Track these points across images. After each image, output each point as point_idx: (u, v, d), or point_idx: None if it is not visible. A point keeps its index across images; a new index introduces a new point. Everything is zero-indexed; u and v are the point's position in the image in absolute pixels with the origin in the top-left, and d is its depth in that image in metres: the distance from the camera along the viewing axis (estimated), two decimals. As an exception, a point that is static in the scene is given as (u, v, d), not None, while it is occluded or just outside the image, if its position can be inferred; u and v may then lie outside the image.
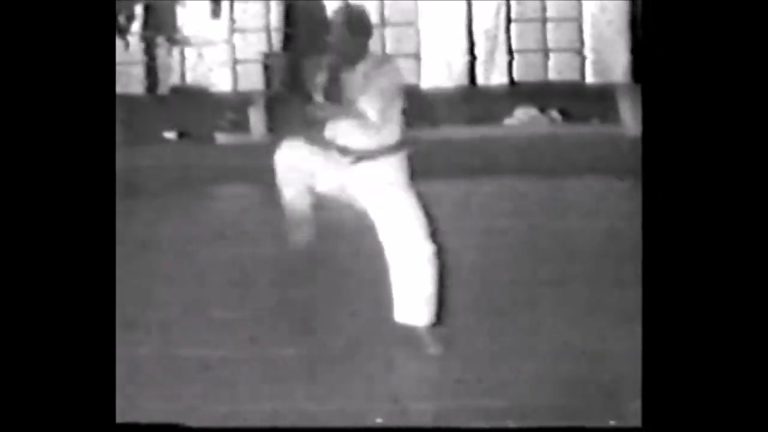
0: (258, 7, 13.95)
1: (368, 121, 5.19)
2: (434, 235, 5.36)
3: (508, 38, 13.79)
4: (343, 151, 5.27)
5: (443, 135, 12.11)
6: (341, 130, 5.26)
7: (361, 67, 5.25)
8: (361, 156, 5.26)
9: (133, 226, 8.43)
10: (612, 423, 4.31)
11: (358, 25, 5.31)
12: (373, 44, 5.40)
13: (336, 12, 5.41)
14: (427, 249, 5.31)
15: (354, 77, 5.24)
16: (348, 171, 5.29)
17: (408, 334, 5.41)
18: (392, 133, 5.30)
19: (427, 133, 12.09)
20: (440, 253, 5.36)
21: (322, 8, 12.71)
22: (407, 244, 5.27)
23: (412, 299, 5.32)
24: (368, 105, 5.19)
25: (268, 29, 13.92)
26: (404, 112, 5.33)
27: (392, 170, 5.30)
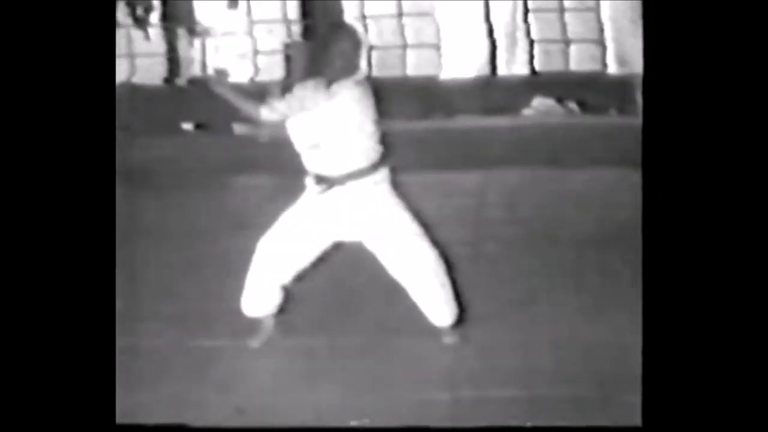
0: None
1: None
2: (431, 239, 5.40)
3: (528, 28, 13.76)
4: (319, 180, 5.29)
5: (460, 125, 12.09)
6: (315, 159, 5.28)
7: (336, 87, 5.25)
8: (332, 182, 5.28)
9: (150, 217, 8.47)
10: (618, 418, 4.33)
11: (356, 41, 5.35)
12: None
13: (334, 28, 5.47)
14: (430, 255, 5.34)
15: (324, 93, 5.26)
16: (322, 199, 5.31)
17: (424, 325, 5.45)
18: (365, 155, 5.30)
19: (444, 123, 12.08)
20: (444, 254, 5.40)
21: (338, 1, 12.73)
22: (408, 257, 5.31)
23: (431, 304, 5.39)
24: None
25: (287, 20, 13.93)
26: (381, 132, 5.34)
27: (372, 191, 5.31)
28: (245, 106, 5.31)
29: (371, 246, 5.38)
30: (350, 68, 5.26)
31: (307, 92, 5.25)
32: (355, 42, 5.34)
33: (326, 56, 5.27)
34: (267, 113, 5.28)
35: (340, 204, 5.30)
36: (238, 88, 5.46)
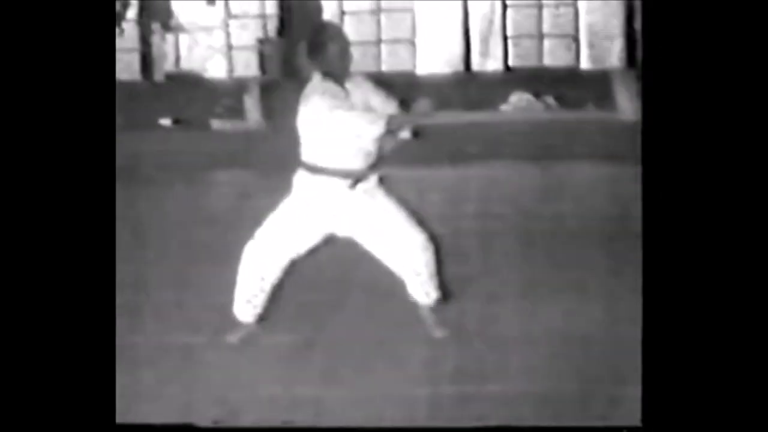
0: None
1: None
2: (421, 224, 5.44)
3: (504, 24, 13.78)
4: (340, 174, 5.30)
5: (439, 121, 12.09)
6: (338, 154, 5.29)
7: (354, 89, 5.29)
8: (359, 177, 5.31)
9: (128, 212, 8.42)
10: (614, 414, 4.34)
11: (344, 42, 5.36)
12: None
13: (319, 32, 5.48)
14: (419, 237, 5.38)
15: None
16: (348, 195, 5.33)
17: (412, 317, 5.47)
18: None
19: (422, 119, 12.09)
20: (433, 239, 5.44)
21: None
22: (400, 238, 5.34)
23: (416, 282, 5.41)
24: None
25: (263, 16, 13.90)
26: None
27: (373, 186, 5.36)
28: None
29: (363, 238, 5.39)
30: (346, 67, 5.31)
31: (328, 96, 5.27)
32: (345, 41, 5.37)
33: (324, 54, 5.27)
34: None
35: (348, 199, 5.31)
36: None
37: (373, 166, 5.34)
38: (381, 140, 5.29)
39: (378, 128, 5.19)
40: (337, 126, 5.20)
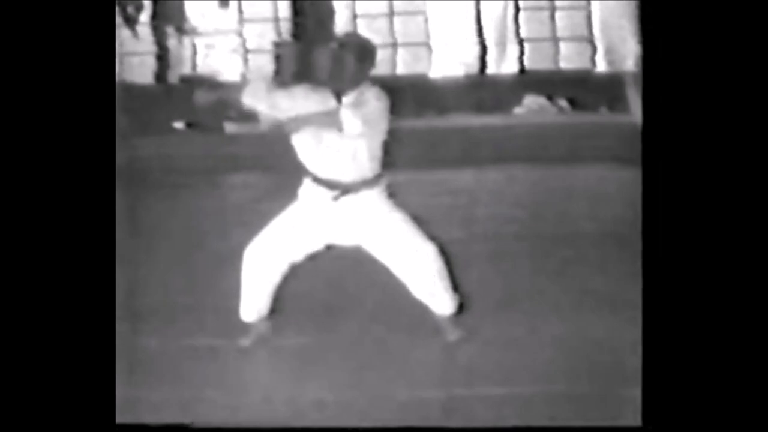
0: (266, -3, 13.95)
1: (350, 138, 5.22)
2: (432, 228, 5.44)
3: (518, 27, 13.78)
4: (330, 185, 5.28)
5: (452, 124, 12.10)
6: (327, 164, 5.27)
7: (350, 98, 5.24)
8: (346, 189, 5.28)
9: (142, 216, 8.45)
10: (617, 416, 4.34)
11: (365, 52, 5.31)
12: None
13: (342, 40, 5.44)
14: (429, 248, 5.36)
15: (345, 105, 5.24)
16: (332, 205, 5.30)
17: (425, 319, 5.47)
18: (374, 166, 5.31)
19: (436, 122, 12.09)
20: (443, 246, 5.43)
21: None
22: (409, 252, 5.32)
23: (431, 294, 5.40)
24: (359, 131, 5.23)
25: (277, 19, 13.92)
26: (386, 143, 5.35)
27: (375, 199, 5.33)
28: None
29: (371, 249, 5.38)
30: (360, 78, 5.26)
31: (313, 101, 5.24)
32: (369, 53, 5.32)
33: (340, 65, 5.22)
34: (249, 100, 5.32)
35: (346, 210, 5.30)
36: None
37: (369, 181, 5.31)
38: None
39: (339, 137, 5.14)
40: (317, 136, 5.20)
